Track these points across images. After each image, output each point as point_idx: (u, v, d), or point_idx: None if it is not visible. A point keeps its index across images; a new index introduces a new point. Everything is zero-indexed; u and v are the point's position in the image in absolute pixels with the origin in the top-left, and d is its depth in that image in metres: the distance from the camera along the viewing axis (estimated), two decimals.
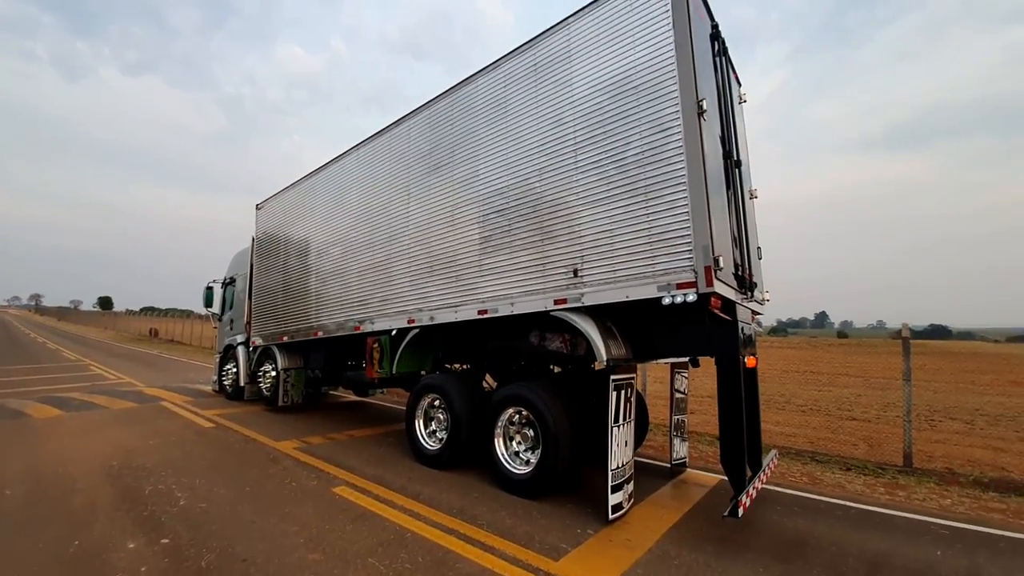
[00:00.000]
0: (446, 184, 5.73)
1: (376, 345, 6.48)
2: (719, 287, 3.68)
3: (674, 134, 3.85)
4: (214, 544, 3.49)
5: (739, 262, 4.43)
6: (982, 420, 10.50)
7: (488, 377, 6.79)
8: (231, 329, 10.52)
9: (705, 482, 5.18)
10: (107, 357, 20.20)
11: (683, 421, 5.60)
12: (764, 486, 4.84)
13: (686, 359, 5.28)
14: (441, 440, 5.46)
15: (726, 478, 4.00)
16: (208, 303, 11.13)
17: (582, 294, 4.32)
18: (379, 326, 6.42)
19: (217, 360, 10.70)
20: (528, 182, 4.88)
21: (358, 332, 6.76)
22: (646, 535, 3.76)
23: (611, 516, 3.88)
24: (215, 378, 10.60)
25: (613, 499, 3.91)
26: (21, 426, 7.22)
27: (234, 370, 9.79)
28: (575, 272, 4.38)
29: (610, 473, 3.91)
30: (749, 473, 4.08)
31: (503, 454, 4.81)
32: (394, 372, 6.09)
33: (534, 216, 4.77)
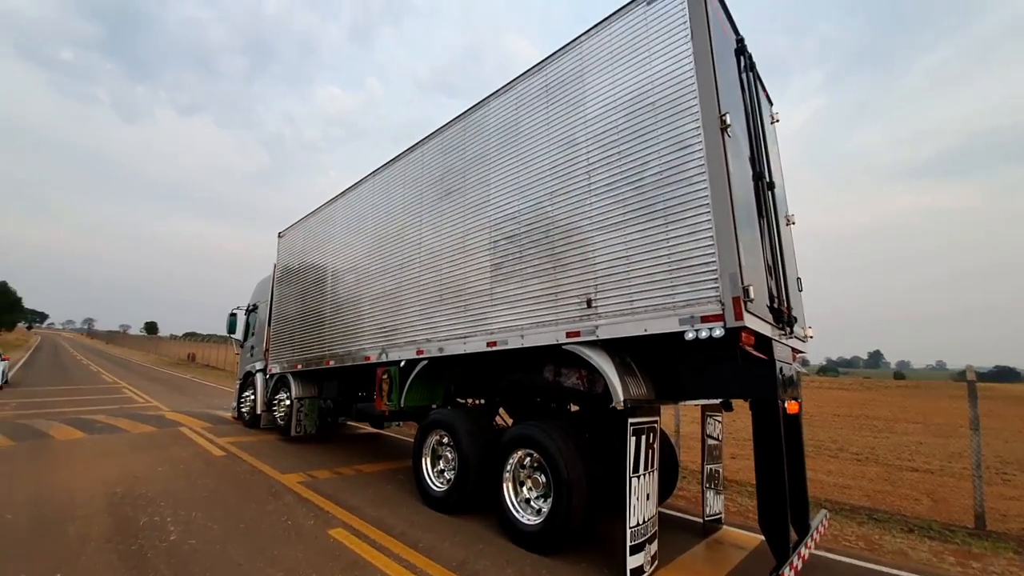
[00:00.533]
0: (457, 210, 5.54)
1: (385, 376, 6.23)
2: (751, 321, 3.25)
3: (695, 151, 3.52)
4: None
5: (775, 293, 3.98)
6: None
7: (505, 414, 6.41)
8: (251, 356, 10.54)
9: (744, 543, 4.57)
10: (142, 380, 20.82)
11: (717, 472, 5.02)
12: (813, 551, 4.20)
13: (718, 401, 4.78)
14: (449, 481, 5.08)
15: None
16: (231, 329, 11.24)
17: (596, 326, 3.95)
18: (389, 356, 6.18)
19: (237, 387, 10.71)
20: (540, 206, 4.61)
21: (368, 362, 6.54)
22: None
23: None
24: (234, 404, 10.58)
25: (632, 562, 3.42)
26: (42, 447, 7.27)
27: (252, 397, 9.73)
28: (588, 302, 4.03)
29: (629, 531, 3.43)
30: (795, 538, 3.52)
31: (512, 501, 4.38)
32: (403, 405, 5.80)
33: (546, 242, 4.48)
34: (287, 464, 6.71)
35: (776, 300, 3.94)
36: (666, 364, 4.07)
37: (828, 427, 14.23)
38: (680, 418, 8.62)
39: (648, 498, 3.67)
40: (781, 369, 3.68)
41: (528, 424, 4.41)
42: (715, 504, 4.94)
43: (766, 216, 4.22)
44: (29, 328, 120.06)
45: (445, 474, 5.21)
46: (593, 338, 3.96)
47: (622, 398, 3.63)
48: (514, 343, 4.59)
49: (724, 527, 5.00)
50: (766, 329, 3.56)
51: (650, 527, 3.65)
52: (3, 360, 16.18)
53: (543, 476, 4.22)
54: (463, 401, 6.46)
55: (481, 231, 5.18)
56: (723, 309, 3.23)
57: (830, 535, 4.92)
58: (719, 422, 5.14)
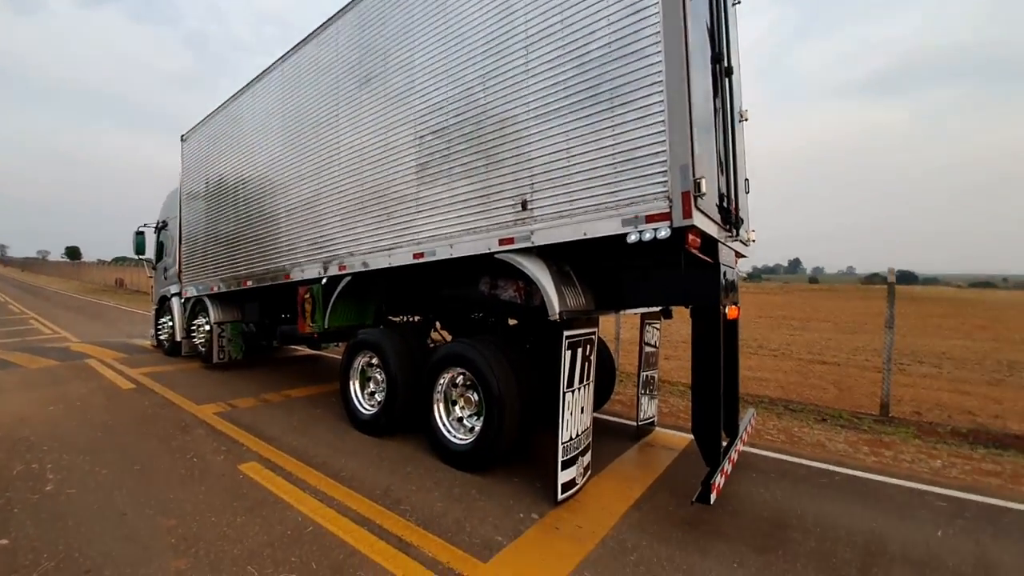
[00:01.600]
0: (378, 100, 4.69)
1: (307, 296, 5.62)
2: (699, 220, 2.88)
3: (651, 15, 2.90)
4: (61, 547, 2.76)
5: (724, 192, 3.62)
6: (949, 364, 10.39)
7: (446, 331, 6.06)
8: (165, 279, 9.48)
9: (674, 444, 4.63)
10: (56, 309, 18.96)
11: (652, 378, 4.98)
12: (740, 449, 4.30)
13: (657, 309, 4.58)
14: (379, 403, 4.76)
15: None
16: (139, 250, 10.00)
17: (532, 231, 3.49)
18: (309, 274, 5.53)
19: (153, 313, 9.74)
20: (471, 93, 3.89)
21: (288, 281, 5.87)
22: (601, 518, 3.16)
23: (560, 496, 3.26)
24: (152, 332, 9.68)
25: (564, 476, 3.28)
26: None
27: (170, 324, 8.86)
28: (524, 204, 3.52)
29: (561, 446, 3.25)
30: (725, 441, 3.48)
31: (443, 421, 4.13)
32: (327, 326, 5.29)
33: (477, 136, 3.83)
34: (205, 394, 6.17)
35: (725, 199, 3.59)
36: (607, 271, 3.73)
37: (750, 328, 15.20)
38: (620, 325, 8.70)
39: (583, 411, 3.48)
40: (724, 273, 3.42)
41: (458, 341, 4.05)
42: (649, 408, 4.95)
43: (721, 106, 3.74)
44: None
45: (376, 396, 4.88)
46: (528, 244, 3.51)
47: (557, 310, 3.28)
48: (443, 253, 4.08)
49: (656, 429, 5.07)
50: (713, 230, 3.23)
51: (583, 440, 3.51)
52: None
53: (476, 394, 3.96)
54: (396, 319, 6.03)
55: (405, 125, 4.42)
56: (671, 207, 2.82)
57: (753, 431, 5.11)
58: (657, 329, 5.02)
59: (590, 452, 3.65)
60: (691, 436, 4.20)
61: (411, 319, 6.00)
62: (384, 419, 4.56)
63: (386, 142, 4.60)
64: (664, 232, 2.84)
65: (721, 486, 3.05)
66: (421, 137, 4.26)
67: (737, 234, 3.92)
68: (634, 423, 4.92)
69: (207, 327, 7.64)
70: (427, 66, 4.22)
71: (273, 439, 4.53)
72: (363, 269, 4.83)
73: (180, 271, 8.52)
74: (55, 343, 10.33)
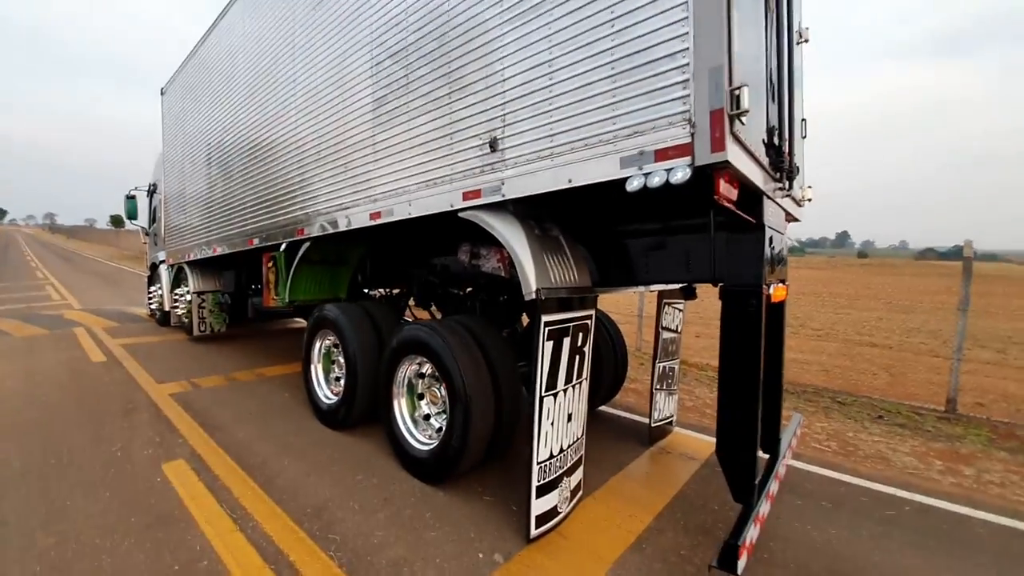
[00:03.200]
0: (332, 22, 3.79)
1: (271, 264, 4.91)
2: (736, 156, 1.92)
3: None
4: None
5: (776, 125, 2.61)
6: (1016, 348, 9.04)
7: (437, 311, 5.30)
8: (156, 245, 9.01)
9: (697, 451, 3.78)
10: (77, 275, 19.27)
11: (672, 370, 4.07)
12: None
13: (677, 287, 3.65)
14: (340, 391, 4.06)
15: None
16: (131, 215, 9.52)
17: (502, 181, 2.59)
18: (271, 239, 4.81)
19: (146, 280, 9.34)
20: None
21: (251, 247, 5.17)
22: (586, 567, 2.37)
23: (534, 531, 2.47)
24: (146, 300, 9.31)
25: (539, 505, 2.49)
26: None
27: (160, 292, 8.42)
28: (492, 144, 2.61)
29: (536, 467, 2.44)
30: (762, 468, 2.59)
31: (404, 418, 3.38)
32: (288, 299, 4.57)
33: (440, 54, 2.91)
34: (173, 370, 5.63)
35: (776, 135, 2.58)
36: (609, 235, 2.83)
37: (791, 305, 13.90)
38: (643, 300, 7.75)
39: (570, 419, 2.66)
40: (771, 240, 2.46)
41: (418, 325, 3.23)
42: (667, 406, 4.07)
43: (775, 15, 2.69)
44: None
45: (342, 382, 4.17)
46: (499, 198, 2.62)
47: (533, 287, 2.42)
48: (400, 212, 3.24)
49: (675, 430, 4.21)
50: (756, 175, 2.25)
51: (570, 455, 2.69)
52: None
53: (442, 389, 3.18)
54: (374, 293, 5.28)
55: (360, 50, 3.53)
56: (692, 134, 1.88)
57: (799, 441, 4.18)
58: (679, 311, 4.08)
59: (581, 468, 2.84)
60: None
61: (391, 293, 5.24)
62: (344, 410, 3.86)
63: (341, 75, 3.72)
64: (682, 174, 1.90)
65: (752, 546, 2.16)
66: (378, 64, 3.36)
67: (790, 187, 2.90)
68: (647, 422, 4.06)
69: (187, 297, 7.11)
70: None
71: (218, 429, 3.91)
72: (320, 233, 4.05)
73: (163, 236, 8.00)
74: (55, 310, 10.14)
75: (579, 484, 2.84)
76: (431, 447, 3.13)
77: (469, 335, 3.09)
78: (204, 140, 6.33)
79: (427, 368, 3.30)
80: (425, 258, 4.45)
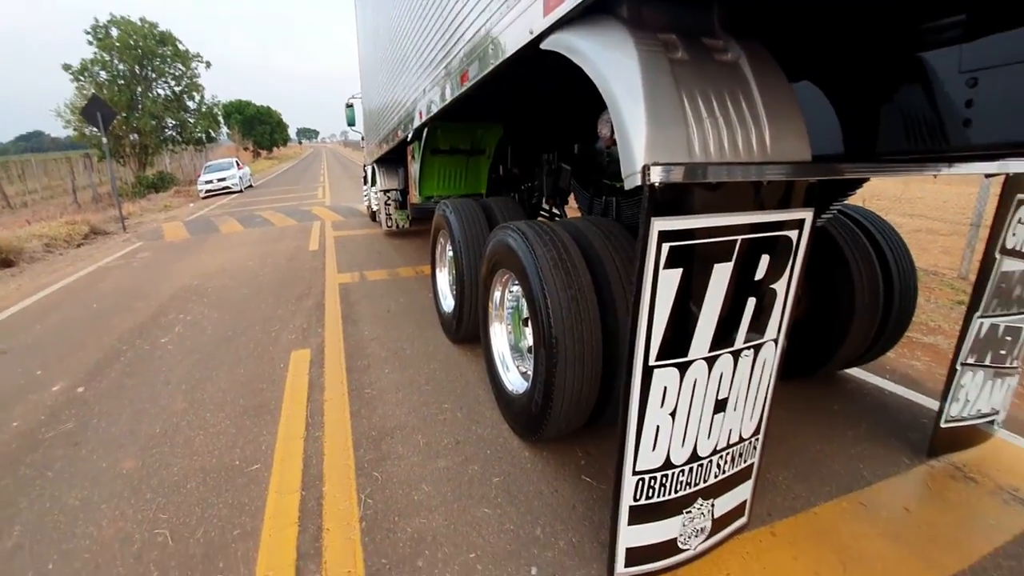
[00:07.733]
0: None
1: (412, 158, 4.57)
2: None
3: None
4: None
5: None
6: None
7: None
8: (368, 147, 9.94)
9: None
10: (345, 179, 23.77)
11: (1011, 332, 2.20)
12: None
13: (1008, 173, 1.79)
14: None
15: None
16: (351, 122, 10.58)
17: None
18: (408, 130, 4.38)
19: (362, 180, 10.55)
20: None
21: (398, 140, 4.89)
22: None
23: (620, 571, 1.56)
24: (362, 199, 10.61)
25: (633, 536, 1.54)
26: (203, 240, 8.32)
27: (369, 192, 9.40)
28: None
29: (627, 480, 1.47)
30: None
31: (501, 347, 2.69)
32: (420, 195, 4.20)
33: None
34: (356, 262, 6.14)
35: None
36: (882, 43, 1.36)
37: None
38: (989, 195, 4.87)
39: (723, 407, 1.53)
40: None
41: (507, 227, 2.34)
42: (983, 395, 2.25)
43: None
44: (300, 144, 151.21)
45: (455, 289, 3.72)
46: None
47: (638, 160, 1.26)
48: (486, 64, 2.25)
49: (997, 436, 2.42)
50: None
51: (722, 464, 1.59)
52: (242, 168, 19.89)
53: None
54: (519, 188, 4.51)
55: None
56: None
57: None
58: None
59: (750, 484, 1.72)
60: None
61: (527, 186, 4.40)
62: (455, 322, 3.41)
63: None
64: None
65: None
66: None
67: None
68: (937, 413, 2.27)
69: (375, 195, 7.63)
70: None
71: (354, 323, 3.98)
72: (427, 115, 3.38)
73: (365, 138, 8.65)
74: (311, 206, 12.53)
75: (741, 508, 1.75)
76: (523, 391, 2.40)
77: (576, 247, 2.09)
78: (373, 38, 6.17)
79: (516, 288, 2.48)
80: (571, 139, 3.45)
